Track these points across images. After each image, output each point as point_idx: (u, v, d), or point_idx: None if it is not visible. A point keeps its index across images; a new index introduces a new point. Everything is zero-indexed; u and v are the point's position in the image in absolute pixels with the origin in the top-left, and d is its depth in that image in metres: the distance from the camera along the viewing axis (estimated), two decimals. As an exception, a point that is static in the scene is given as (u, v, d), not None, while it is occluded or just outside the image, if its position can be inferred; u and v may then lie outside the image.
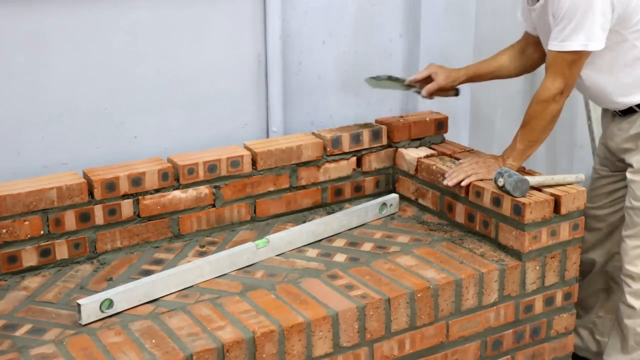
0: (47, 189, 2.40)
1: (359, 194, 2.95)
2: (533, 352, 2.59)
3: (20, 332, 2.10)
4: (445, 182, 2.65)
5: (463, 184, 2.61)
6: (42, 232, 2.41)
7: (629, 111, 2.67)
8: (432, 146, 2.98)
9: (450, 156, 2.86)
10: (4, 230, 2.36)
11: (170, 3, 2.76)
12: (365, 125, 2.95)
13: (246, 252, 2.47)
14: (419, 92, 2.92)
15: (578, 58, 2.49)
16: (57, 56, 2.60)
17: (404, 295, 2.28)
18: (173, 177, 2.59)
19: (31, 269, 2.42)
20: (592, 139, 3.67)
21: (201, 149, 2.76)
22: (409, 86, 2.94)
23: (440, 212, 2.78)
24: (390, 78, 2.96)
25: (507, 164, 2.63)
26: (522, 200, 2.44)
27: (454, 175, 2.64)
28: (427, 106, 3.28)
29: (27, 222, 2.38)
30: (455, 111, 3.40)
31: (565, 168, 4.10)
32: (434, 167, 2.77)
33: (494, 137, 3.77)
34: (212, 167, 2.63)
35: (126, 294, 2.21)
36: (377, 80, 2.95)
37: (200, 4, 2.81)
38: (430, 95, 2.88)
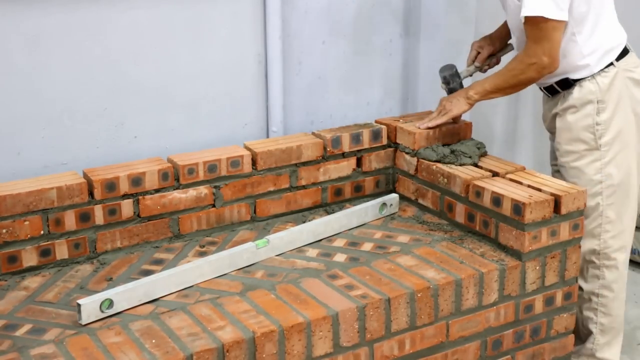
0: (47, 189, 2.40)
1: (359, 194, 2.95)
2: (533, 352, 2.59)
3: (20, 332, 2.10)
4: (419, 126, 2.86)
5: (431, 124, 2.83)
6: (42, 232, 2.41)
7: (553, 91, 2.77)
8: (432, 146, 2.98)
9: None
10: (4, 230, 2.36)
11: (170, 3, 2.76)
12: (365, 125, 2.95)
13: (246, 252, 2.47)
14: (480, 69, 3.00)
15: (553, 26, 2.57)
16: (57, 56, 2.60)
17: (404, 295, 2.28)
18: (173, 177, 2.59)
19: (31, 269, 2.42)
20: None
21: (201, 149, 2.76)
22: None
23: (440, 212, 2.78)
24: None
25: (468, 94, 2.78)
26: (522, 200, 2.44)
27: (426, 120, 2.86)
28: (427, 107, 3.29)
29: (27, 222, 2.38)
30: (455, 111, 3.40)
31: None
32: (434, 167, 2.77)
33: (493, 137, 3.77)
34: (212, 167, 2.63)
35: (126, 294, 2.21)
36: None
37: (200, 3, 2.81)
38: (486, 64, 2.98)
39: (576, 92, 2.69)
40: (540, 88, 2.84)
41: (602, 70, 2.66)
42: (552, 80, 2.73)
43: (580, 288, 2.79)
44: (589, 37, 2.64)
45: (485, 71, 2.98)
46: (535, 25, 2.55)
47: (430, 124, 2.85)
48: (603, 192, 2.71)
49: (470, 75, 2.99)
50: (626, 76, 2.68)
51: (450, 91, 2.95)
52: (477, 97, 2.77)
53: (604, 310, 2.81)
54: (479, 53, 2.97)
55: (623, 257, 2.78)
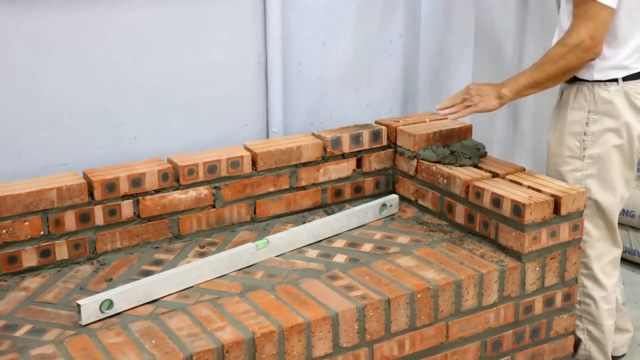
0: (47, 189, 2.40)
1: (359, 195, 2.95)
2: (533, 353, 2.59)
3: (20, 332, 2.10)
4: (439, 109, 2.70)
5: (452, 117, 2.68)
6: (42, 232, 2.41)
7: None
8: (432, 147, 2.98)
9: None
10: (4, 231, 2.36)
11: (170, 3, 2.76)
12: (365, 126, 2.95)
13: (246, 252, 2.48)
14: None
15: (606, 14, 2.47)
16: (57, 56, 2.60)
17: (404, 296, 2.28)
18: (173, 177, 2.59)
19: (31, 270, 2.42)
20: None
21: (201, 150, 2.76)
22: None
23: (440, 212, 2.78)
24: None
25: (501, 92, 2.62)
26: (522, 201, 2.44)
27: (446, 104, 2.68)
28: (427, 107, 3.29)
29: (27, 223, 2.38)
30: (455, 112, 3.39)
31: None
32: (434, 168, 2.77)
33: (493, 137, 3.77)
34: (212, 167, 2.63)
35: (126, 295, 2.21)
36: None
37: (200, 4, 2.81)
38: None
39: (573, 94, 2.66)
40: None
41: (603, 82, 2.60)
42: None
43: None
44: (611, 44, 2.57)
45: None
46: (583, 3, 2.46)
47: (454, 116, 2.68)
48: None
49: None
50: (629, 99, 2.61)
51: None
52: (511, 96, 2.62)
53: (590, 319, 2.80)
54: None
55: (598, 267, 2.76)
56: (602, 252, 2.76)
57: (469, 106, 2.66)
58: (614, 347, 2.97)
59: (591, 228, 2.72)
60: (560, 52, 2.53)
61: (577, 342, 2.83)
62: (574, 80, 2.65)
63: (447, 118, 2.79)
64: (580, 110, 2.65)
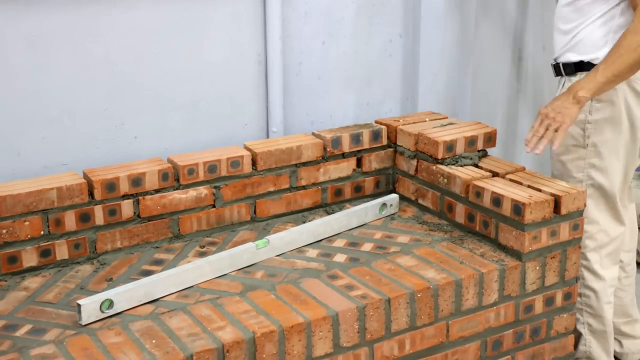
0: (47, 189, 2.40)
1: (359, 194, 2.95)
2: (533, 352, 2.59)
3: (20, 332, 2.10)
4: (532, 151, 2.57)
5: (554, 148, 2.56)
6: (42, 232, 2.41)
7: (557, 71, 2.75)
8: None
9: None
10: (4, 231, 2.36)
11: (170, 3, 2.76)
12: (365, 126, 2.95)
13: (246, 252, 2.48)
14: None
15: None
16: (57, 56, 2.60)
17: (404, 295, 2.28)
18: (173, 177, 2.59)
19: (31, 269, 2.42)
20: None
21: (201, 150, 2.76)
22: None
23: (440, 212, 2.78)
24: None
25: (578, 95, 2.53)
26: (522, 200, 2.44)
27: (534, 141, 2.56)
28: (427, 107, 3.29)
29: (27, 223, 2.38)
30: (455, 111, 3.40)
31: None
32: (434, 167, 2.77)
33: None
34: (212, 167, 2.63)
35: (126, 294, 2.21)
36: None
37: (200, 4, 2.81)
38: None
39: None
40: (551, 65, 2.79)
41: None
42: (563, 58, 2.70)
43: None
44: (617, 30, 2.59)
45: None
46: None
47: (544, 143, 2.55)
48: None
49: None
50: (630, 85, 2.65)
51: None
52: (589, 96, 2.53)
53: (590, 311, 2.82)
54: None
55: (597, 258, 2.78)
56: (602, 244, 2.78)
57: (556, 129, 2.55)
58: (628, 352, 2.98)
59: (592, 218, 2.74)
60: (637, 39, 2.45)
61: (577, 338, 2.83)
62: (576, 70, 2.68)
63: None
64: None
